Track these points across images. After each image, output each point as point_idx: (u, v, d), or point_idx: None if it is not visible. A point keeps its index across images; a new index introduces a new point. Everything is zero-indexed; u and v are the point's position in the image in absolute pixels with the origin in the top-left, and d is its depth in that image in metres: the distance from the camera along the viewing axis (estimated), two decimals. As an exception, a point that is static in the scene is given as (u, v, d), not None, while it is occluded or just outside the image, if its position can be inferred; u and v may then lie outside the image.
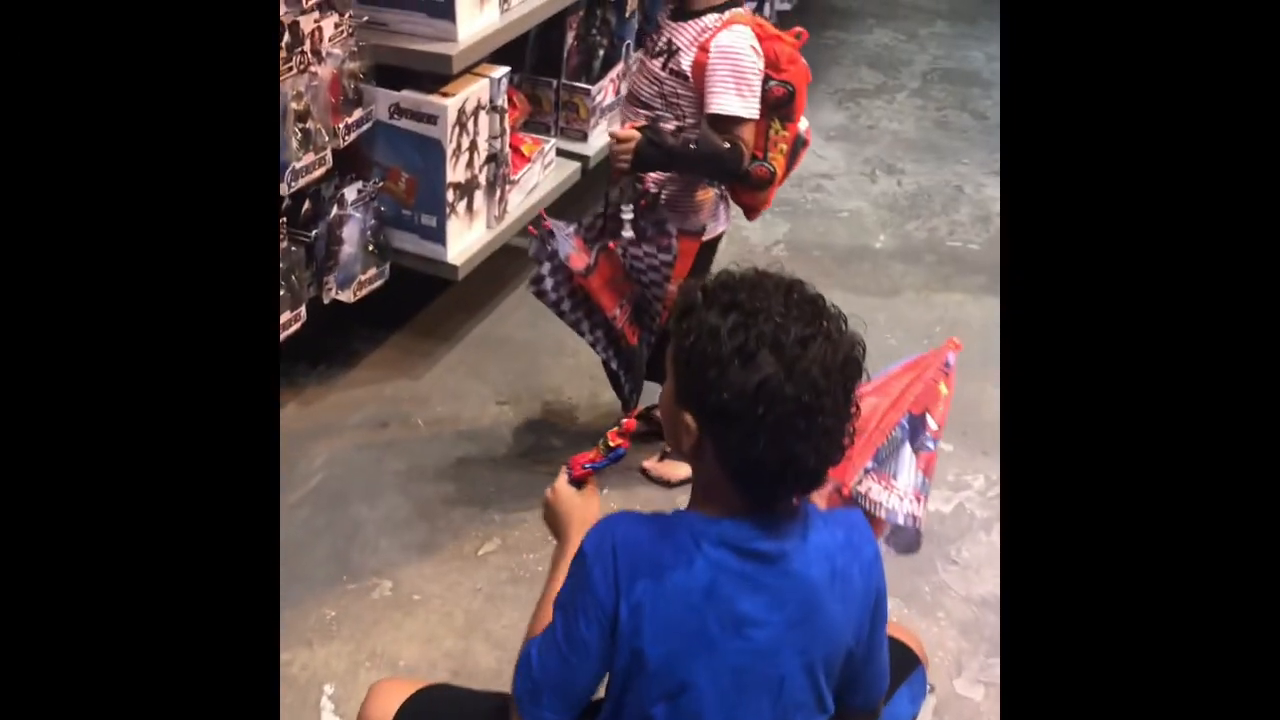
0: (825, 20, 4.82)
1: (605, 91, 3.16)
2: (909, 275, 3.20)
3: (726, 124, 1.99)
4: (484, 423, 2.56)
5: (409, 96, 2.41)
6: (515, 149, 2.81)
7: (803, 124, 2.11)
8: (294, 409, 2.54)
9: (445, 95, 2.42)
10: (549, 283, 2.18)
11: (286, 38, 2.08)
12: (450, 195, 2.50)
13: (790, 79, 2.02)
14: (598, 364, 2.73)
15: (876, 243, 3.36)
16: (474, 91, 2.47)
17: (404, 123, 2.42)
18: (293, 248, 2.31)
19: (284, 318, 2.33)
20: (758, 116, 2.01)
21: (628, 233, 2.05)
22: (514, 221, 2.79)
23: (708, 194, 2.14)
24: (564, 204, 3.19)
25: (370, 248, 2.49)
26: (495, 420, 2.57)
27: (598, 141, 3.17)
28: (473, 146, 2.53)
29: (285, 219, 2.26)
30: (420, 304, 2.87)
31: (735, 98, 1.97)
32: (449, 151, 2.44)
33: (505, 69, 2.58)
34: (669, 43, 2.04)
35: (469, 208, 2.59)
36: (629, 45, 3.25)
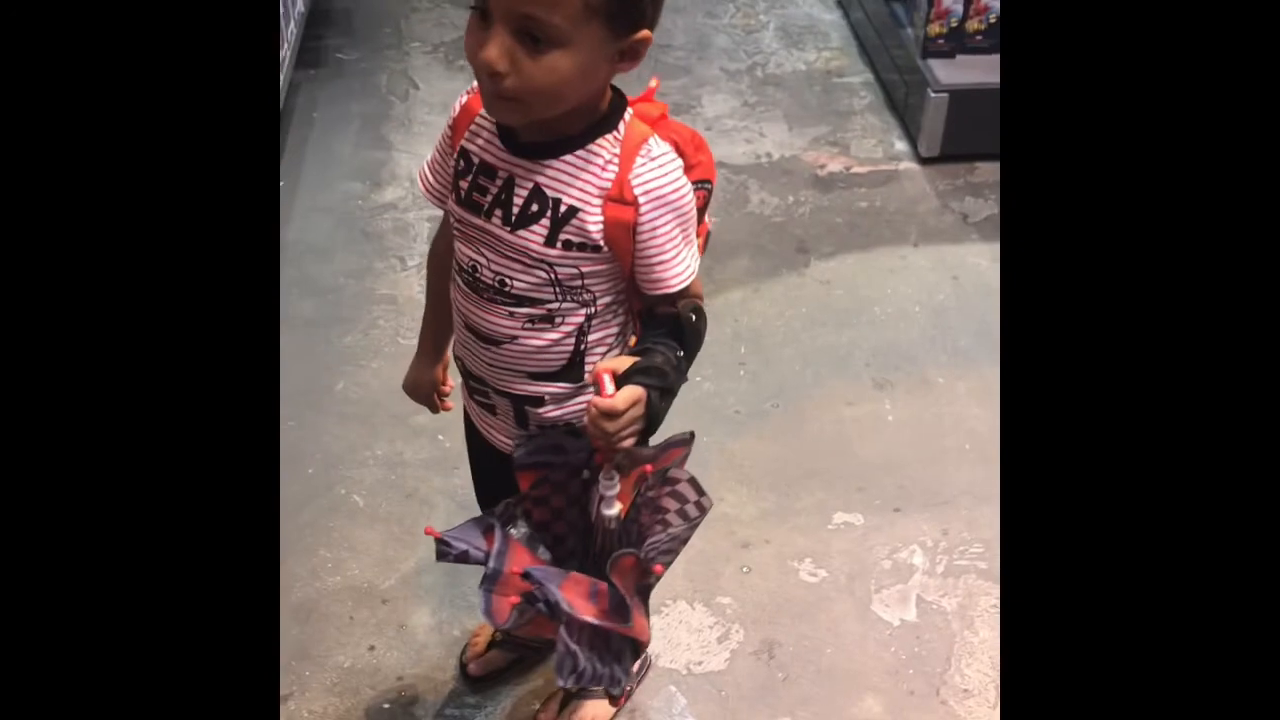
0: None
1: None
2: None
3: (687, 290, 1.28)
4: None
5: None
6: None
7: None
8: None
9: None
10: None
11: None
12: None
13: (705, 174, 1.31)
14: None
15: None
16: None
17: None
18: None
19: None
20: None
21: (610, 510, 1.26)
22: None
23: None
24: None
25: None
26: (288, 731, 1.72)
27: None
28: None
29: None
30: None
31: (690, 253, 1.27)
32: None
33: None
34: (540, 196, 1.22)
35: None
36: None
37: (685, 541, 1.31)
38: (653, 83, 1.32)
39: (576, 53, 1.11)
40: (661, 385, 1.21)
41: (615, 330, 1.32)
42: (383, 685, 1.77)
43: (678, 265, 1.25)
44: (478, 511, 1.44)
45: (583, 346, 1.30)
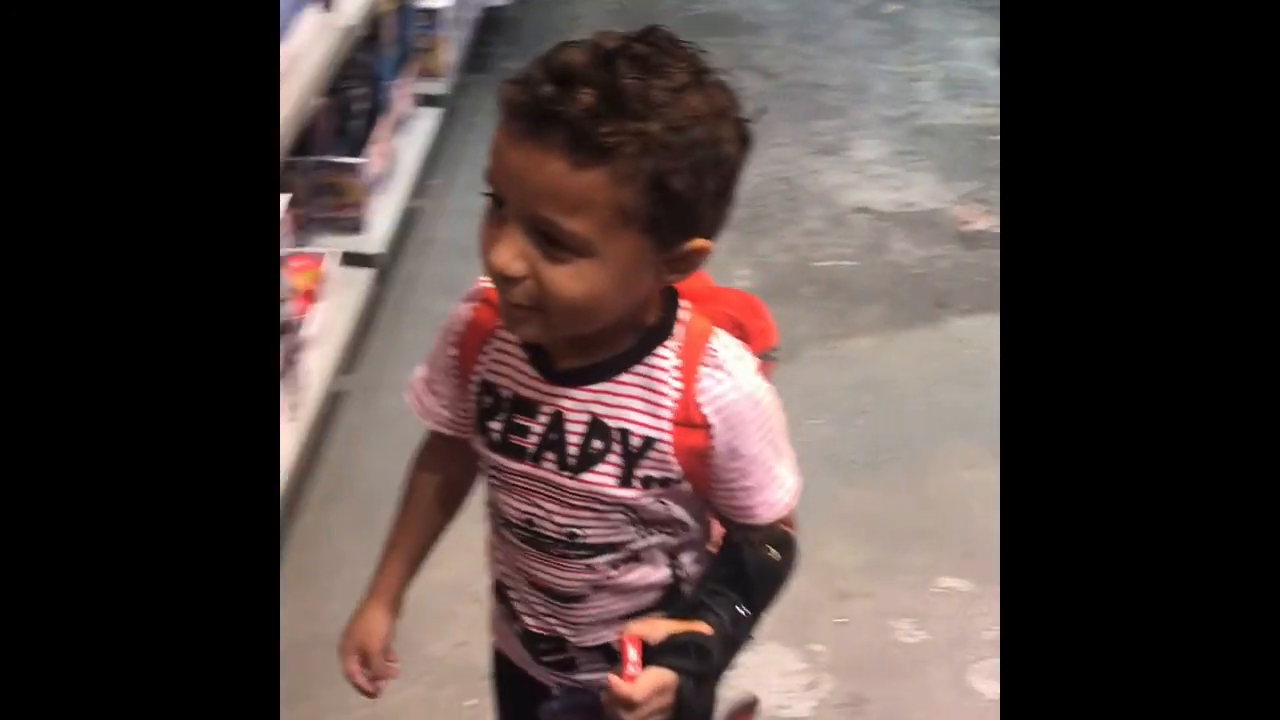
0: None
1: (376, 160, 2.30)
2: (799, 322, 2.58)
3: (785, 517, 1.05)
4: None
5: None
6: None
7: None
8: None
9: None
10: None
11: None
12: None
13: (767, 342, 1.07)
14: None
15: (737, 278, 2.72)
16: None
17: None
18: None
19: None
20: None
21: None
22: (320, 399, 1.93)
23: None
24: (366, 341, 2.31)
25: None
26: None
27: (380, 228, 2.32)
28: (257, 332, 1.65)
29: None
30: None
31: (783, 470, 1.02)
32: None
33: (283, 199, 1.70)
34: (601, 430, 0.98)
35: (264, 414, 1.72)
36: (389, 88, 2.39)
37: None
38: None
39: (607, 264, 0.88)
40: (700, 670, 0.96)
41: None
42: None
43: (766, 491, 1.01)
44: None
45: (680, 573, 1.07)
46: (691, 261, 0.93)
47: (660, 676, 0.94)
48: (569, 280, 0.88)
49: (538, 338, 0.97)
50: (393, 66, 2.43)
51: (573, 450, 0.99)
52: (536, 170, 0.84)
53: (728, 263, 2.76)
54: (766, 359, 1.04)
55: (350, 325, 2.11)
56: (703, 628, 0.98)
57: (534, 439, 1.00)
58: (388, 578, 1.16)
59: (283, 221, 1.87)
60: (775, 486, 1.01)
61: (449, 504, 1.15)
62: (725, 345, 0.98)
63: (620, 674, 0.94)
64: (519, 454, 1.01)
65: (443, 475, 1.13)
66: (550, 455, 0.99)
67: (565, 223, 0.85)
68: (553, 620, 1.09)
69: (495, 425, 1.02)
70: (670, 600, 1.07)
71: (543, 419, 0.99)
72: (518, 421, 1.00)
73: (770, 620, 1.85)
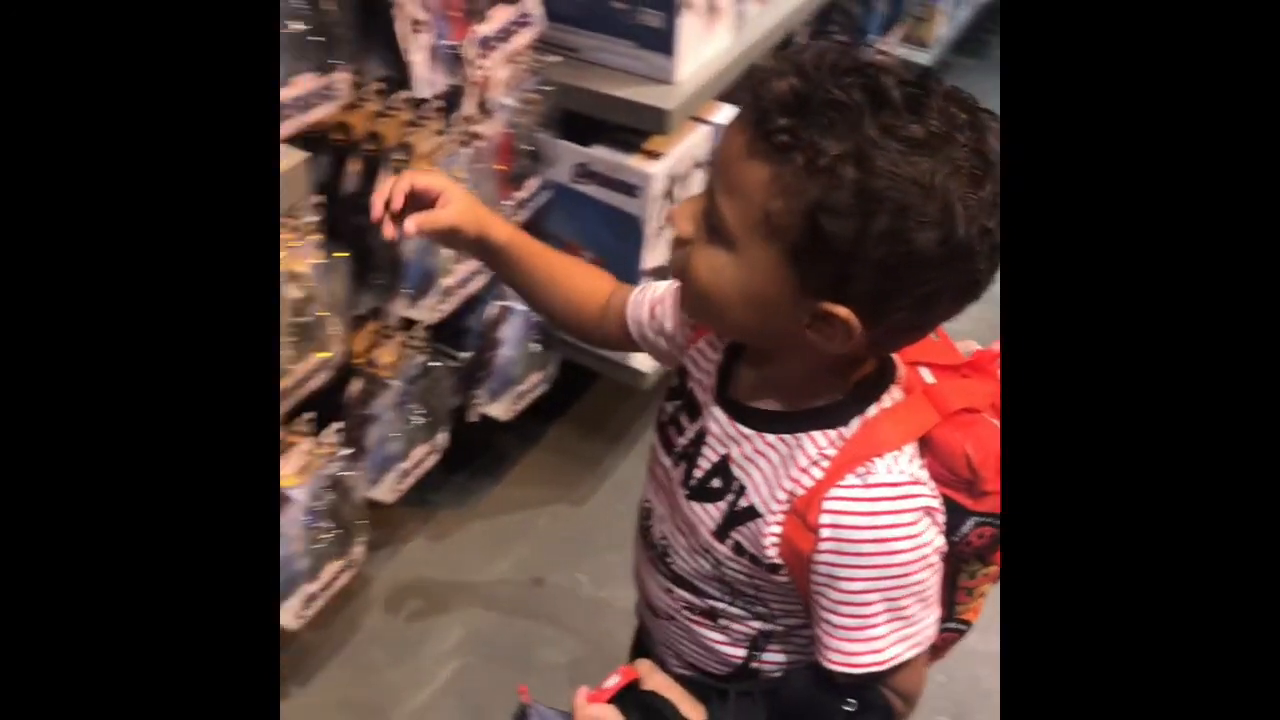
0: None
1: (838, 106, 2.44)
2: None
3: (878, 676, 0.90)
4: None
5: (602, 157, 1.73)
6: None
7: None
8: (422, 545, 1.94)
9: (651, 155, 1.74)
10: None
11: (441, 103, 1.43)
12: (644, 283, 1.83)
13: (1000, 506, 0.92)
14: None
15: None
16: (688, 147, 1.79)
17: (592, 189, 1.75)
18: (432, 364, 1.69)
19: (418, 453, 1.72)
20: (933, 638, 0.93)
21: None
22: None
23: None
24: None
25: (533, 347, 1.86)
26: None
27: (823, 170, 2.46)
28: (680, 218, 1.85)
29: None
30: (585, 383, 2.23)
31: (892, 631, 0.88)
32: (650, 231, 1.77)
33: (729, 108, 1.88)
34: (725, 472, 0.92)
35: (666, 293, 1.93)
36: (871, 44, 2.51)
37: None
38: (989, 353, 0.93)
39: (740, 268, 0.80)
40: None
41: (807, 659, 0.96)
42: None
43: (849, 639, 0.88)
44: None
45: (754, 664, 0.99)
46: (833, 328, 0.80)
47: (609, 716, 0.92)
48: (703, 264, 0.82)
49: (681, 306, 0.94)
50: (881, 24, 2.54)
51: (697, 474, 0.94)
52: (726, 141, 0.80)
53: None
54: (987, 522, 0.90)
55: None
56: (696, 715, 0.94)
57: (682, 441, 0.96)
58: (499, 219, 1.03)
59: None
60: (863, 642, 0.88)
61: (568, 297, 1.07)
62: (896, 471, 0.86)
63: (594, 686, 0.93)
64: (668, 446, 0.98)
65: (603, 303, 1.07)
66: (683, 465, 0.96)
67: (720, 198, 0.80)
68: (643, 613, 1.09)
69: (668, 407, 0.99)
70: (734, 682, 0.99)
71: (695, 429, 0.95)
72: (681, 419, 0.97)
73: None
